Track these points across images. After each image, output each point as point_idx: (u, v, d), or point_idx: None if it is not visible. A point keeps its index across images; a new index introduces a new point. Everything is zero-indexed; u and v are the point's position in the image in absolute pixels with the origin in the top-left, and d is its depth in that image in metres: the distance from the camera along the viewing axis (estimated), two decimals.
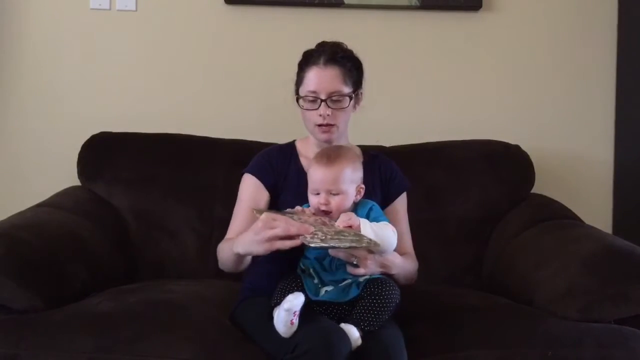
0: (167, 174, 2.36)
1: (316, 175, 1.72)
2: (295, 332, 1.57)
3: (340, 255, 1.66)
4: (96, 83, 2.65)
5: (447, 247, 2.33)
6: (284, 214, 1.68)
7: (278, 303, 1.61)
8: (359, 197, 1.76)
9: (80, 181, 2.41)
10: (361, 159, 1.84)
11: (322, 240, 1.56)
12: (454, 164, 2.42)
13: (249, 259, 1.79)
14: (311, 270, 1.71)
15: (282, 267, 1.76)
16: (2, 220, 2.00)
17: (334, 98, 1.84)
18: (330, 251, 1.66)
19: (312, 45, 1.93)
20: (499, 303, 1.98)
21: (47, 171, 2.61)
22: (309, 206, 1.75)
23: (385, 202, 1.91)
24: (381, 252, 1.68)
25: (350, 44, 1.92)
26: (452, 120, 2.67)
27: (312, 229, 1.58)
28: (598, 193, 2.70)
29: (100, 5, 2.63)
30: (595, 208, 2.66)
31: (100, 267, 2.06)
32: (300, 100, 1.87)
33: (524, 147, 2.49)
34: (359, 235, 1.60)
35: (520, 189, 2.43)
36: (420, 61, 2.68)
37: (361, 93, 1.92)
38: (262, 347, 1.69)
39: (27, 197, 2.32)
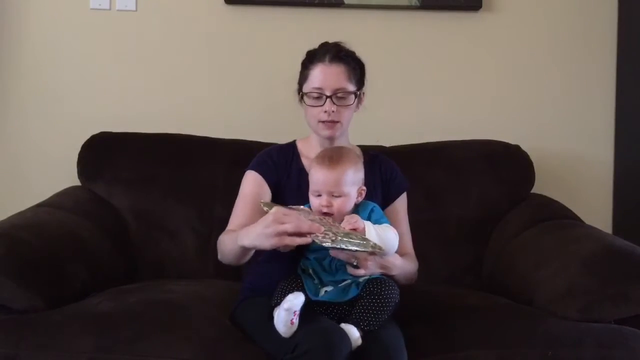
0: (167, 174, 2.36)
1: (318, 177, 1.72)
2: (296, 332, 1.57)
3: (341, 256, 1.66)
4: (96, 83, 2.65)
5: (447, 247, 2.33)
6: (292, 210, 1.67)
7: (278, 303, 1.61)
8: (360, 199, 1.76)
9: (80, 181, 2.41)
10: (362, 160, 1.84)
11: (332, 241, 1.54)
12: (454, 164, 2.42)
13: (250, 253, 1.76)
14: (311, 271, 1.71)
15: (282, 268, 1.76)
16: (2, 220, 2.00)
17: (338, 95, 1.84)
18: (331, 252, 1.66)
19: (312, 45, 1.93)
20: (499, 303, 1.98)
21: (47, 171, 2.61)
22: (309, 206, 1.75)
23: (386, 202, 1.91)
24: (383, 255, 1.68)
25: (351, 44, 1.92)
26: (452, 120, 2.67)
27: (322, 228, 1.57)
28: (598, 193, 2.70)
29: (100, 5, 2.63)
30: (595, 208, 2.66)
31: (100, 267, 2.06)
32: (305, 97, 1.87)
33: (524, 147, 2.49)
34: (365, 239, 1.60)
35: (520, 189, 2.43)
36: (420, 61, 2.68)
37: (363, 93, 1.92)
38: (262, 347, 1.69)
39: (27, 197, 2.32)
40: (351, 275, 1.68)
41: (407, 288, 1.79)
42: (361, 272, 1.67)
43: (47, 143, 2.64)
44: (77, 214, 2.17)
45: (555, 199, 2.40)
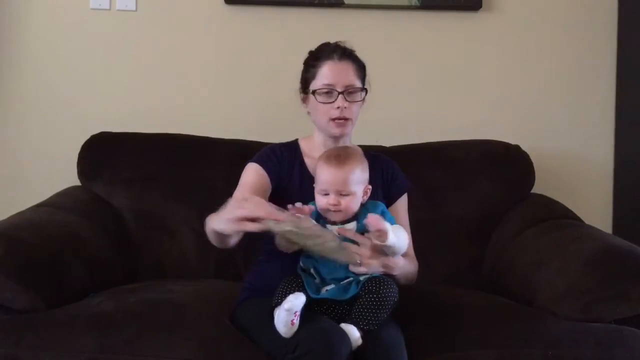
0: (167, 174, 2.36)
1: (326, 176, 1.71)
2: (296, 333, 1.57)
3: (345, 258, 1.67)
4: (96, 83, 2.65)
5: (447, 247, 2.33)
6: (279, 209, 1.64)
7: (279, 303, 1.61)
8: (365, 198, 1.76)
9: (80, 181, 2.41)
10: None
11: (291, 232, 1.54)
12: (454, 164, 2.42)
13: (234, 237, 1.71)
14: (312, 270, 1.71)
15: (283, 267, 1.75)
16: (2, 220, 2.00)
17: (349, 91, 1.85)
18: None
19: (312, 45, 1.94)
20: (499, 303, 1.98)
21: (47, 171, 2.61)
22: (314, 204, 1.75)
23: (387, 202, 1.90)
24: (393, 254, 1.69)
25: (351, 44, 1.92)
26: (452, 120, 2.67)
27: (282, 216, 1.55)
28: (598, 193, 2.70)
29: (100, 5, 2.63)
30: (595, 208, 2.66)
31: (100, 267, 2.06)
32: (316, 95, 1.86)
33: (524, 147, 2.49)
34: (332, 248, 1.59)
35: (520, 189, 2.43)
36: (420, 61, 2.68)
37: (367, 93, 1.92)
38: (262, 347, 1.69)
39: (27, 197, 2.32)
40: (353, 273, 1.68)
41: (407, 288, 1.79)
42: (363, 269, 1.67)
43: (47, 143, 2.64)
44: (77, 214, 2.17)
45: (555, 199, 2.40)
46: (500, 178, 2.40)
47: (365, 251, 1.68)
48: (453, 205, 2.37)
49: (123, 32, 2.64)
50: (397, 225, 1.73)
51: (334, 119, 1.85)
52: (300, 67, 1.94)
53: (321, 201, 1.72)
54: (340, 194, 1.70)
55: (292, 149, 1.96)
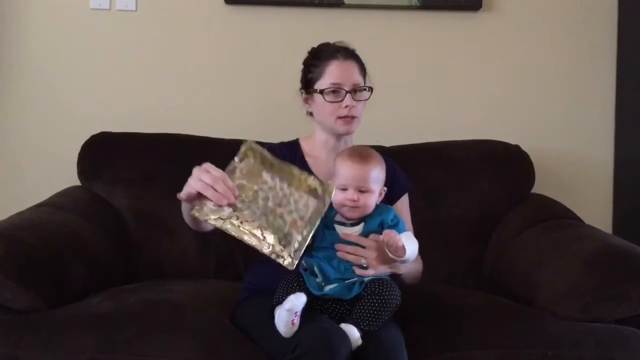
0: (167, 174, 2.36)
1: (347, 171, 1.72)
2: (296, 332, 1.57)
3: (349, 258, 1.68)
4: (96, 83, 2.65)
5: (447, 247, 2.33)
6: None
7: (279, 302, 1.61)
8: (379, 200, 1.76)
9: (80, 181, 2.41)
10: None
11: (222, 220, 1.54)
12: (454, 164, 2.42)
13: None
14: (315, 269, 1.71)
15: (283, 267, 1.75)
16: (2, 220, 2.00)
17: (357, 89, 1.86)
18: (338, 254, 1.69)
19: (312, 45, 1.94)
20: (499, 303, 1.98)
21: (47, 171, 2.61)
22: None
23: (389, 203, 1.90)
24: (404, 262, 1.69)
25: (351, 44, 1.92)
26: (452, 120, 2.67)
27: (226, 201, 1.54)
28: (598, 193, 2.70)
29: (100, 5, 2.63)
30: (595, 208, 2.66)
31: (100, 267, 2.05)
32: (323, 94, 1.86)
33: (524, 147, 2.49)
34: (264, 237, 1.58)
35: (520, 189, 2.43)
36: (420, 61, 2.68)
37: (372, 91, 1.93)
38: (262, 347, 1.69)
39: (27, 197, 2.32)
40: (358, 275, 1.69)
41: (407, 288, 1.78)
42: (370, 272, 1.68)
43: (47, 143, 2.64)
44: (77, 214, 2.17)
45: (555, 199, 2.41)
46: (500, 178, 2.40)
47: (371, 253, 1.68)
48: (453, 205, 2.37)
49: (123, 32, 2.64)
50: (408, 233, 1.73)
51: (341, 117, 1.85)
52: (301, 67, 1.94)
53: (339, 196, 1.72)
54: (360, 190, 1.70)
55: (293, 148, 1.96)
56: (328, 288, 1.67)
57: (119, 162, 2.38)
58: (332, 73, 1.86)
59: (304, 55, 1.94)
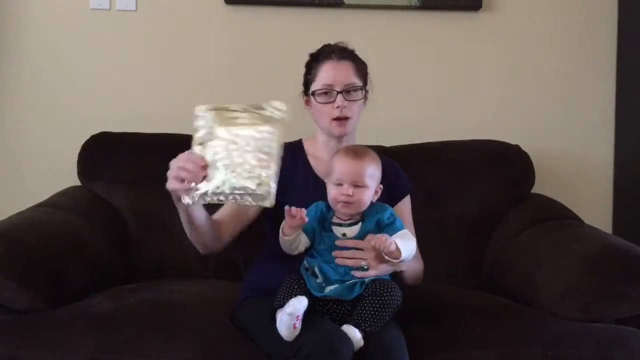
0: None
1: (342, 166, 1.72)
2: (298, 336, 1.56)
3: (348, 262, 1.68)
4: (96, 83, 2.65)
5: (447, 247, 2.33)
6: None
7: (281, 305, 1.60)
8: (375, 198, 1.76)
9: (80, 181, 2.41)
10: None
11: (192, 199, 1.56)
12: (454, 164, 2.42)
13: (203, 224, 1.74)
14: (316, 269, 1.71)
15: (284, 267, 1.75)
16: (2, 220, 2.00)
17: (348, 89, 1.85)
18: (337, 260, 1.68)
19: (312, 45, 1.94)
20: (499, 303, 1.98)
21: (47, 171, 2.61)
22: (315, 204, 1.75)
23: (390, 204, 1.90)
24: (402, 261, 1.69)
25: (351, 44, 1.92)
26: (452, 120, 2.67)
27: (201, 176, 1.56)
28: (598, 193, 2.70)
29: (100, 5, 2.63)
30: (595, 208, 2.66)
31: (100, 267, 2.06)
32: (315, 96, 1.86)
33: (524, 147, 2.49)
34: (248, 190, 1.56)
35: (520, 189, 2.43)
36: (420, 61, 2.68)
37: (368, 91, 1.92)
38: (263, 348, 1.69)
39: (27, 197, 2.32)
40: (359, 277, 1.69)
41: (407, 288, 1.78)
42: (372, 273, 1.68)
43: (47, 143, 2.64)
44: (77, 214, 2.17)
45: (555, 199, 2.40)
46: (500, 178, 2.40)
47: (369, 254, 1.68)
48: (453, 205, 2.37)
49: (123, 32, 2.64)
50: (405, 232, 1.73)
51: (334, 119, 1.85)
52: (300, 67, 1.94)
53: (334, 191, 1.72)
54: (355, 186, 1.70)
55: (296, 149, 1.96)
56: (329, 289, 1.67)
57: (119, 162, 2.38)
58: (324, 74, 1.86)
59: (304, 55, 1.94)
